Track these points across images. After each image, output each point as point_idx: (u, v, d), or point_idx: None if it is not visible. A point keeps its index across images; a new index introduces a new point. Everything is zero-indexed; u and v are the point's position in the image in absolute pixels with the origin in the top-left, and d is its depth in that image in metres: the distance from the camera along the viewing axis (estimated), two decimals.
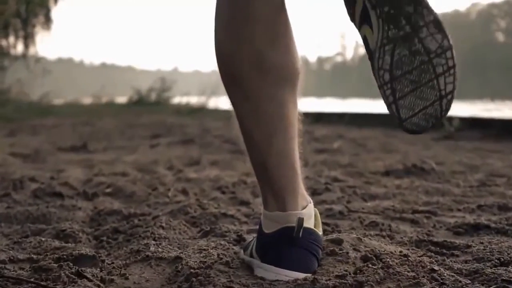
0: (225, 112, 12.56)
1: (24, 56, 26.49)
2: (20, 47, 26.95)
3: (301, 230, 1.69)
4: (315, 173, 3.87)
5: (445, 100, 1.62)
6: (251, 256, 1.81)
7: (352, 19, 1.70)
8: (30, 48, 27.09)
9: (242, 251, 1.92)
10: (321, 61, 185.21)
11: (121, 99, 21.59)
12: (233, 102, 1.79)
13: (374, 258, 1.77)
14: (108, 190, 3.15)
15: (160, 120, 12.10)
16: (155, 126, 10.10)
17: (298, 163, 1.83)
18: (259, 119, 1.74)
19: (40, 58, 27.03)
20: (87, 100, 21.85)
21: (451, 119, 8.60)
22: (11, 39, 27.01)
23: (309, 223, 1.73)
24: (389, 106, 1.64)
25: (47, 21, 27.71)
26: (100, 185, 3.31)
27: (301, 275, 1.65)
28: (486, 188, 3.30)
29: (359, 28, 1.69)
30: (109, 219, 2.49)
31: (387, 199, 2.92)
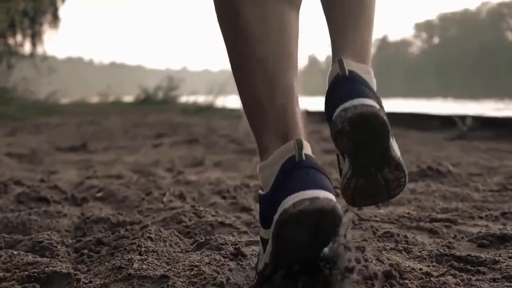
0: (233, 111, 12.34)
1: (31, 55, 26.39)
2: (27, 46, 26.90)
3: (303, 154, 1.50)
4: None
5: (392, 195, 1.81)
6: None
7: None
8: (38, 47, 27.03)
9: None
10: (330, 60, 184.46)
11: (129, 98, 21.47)
12: (240, 37, 1.59)
13: (397, 275, 1.53)
14: (99, 194, 2.91)
15: (166, 119, 11.88)
16: (161, 125, 9.88)
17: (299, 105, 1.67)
18: (269, 52, 1.58)
19: (47, 57, 26.93)
20: (94, 99, 21.71)
21: (464, 118, 8.36)
22: (19, 37, 26.95)
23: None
24: (345, 198, 1.79)
25: (55, 19, 27.59)
26: (91, 188, 3.07)
27: (326, 193, 1.38)
28: (508, 192, 3.04)
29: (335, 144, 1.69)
30: (95, 228, 2.24)
31: (402, 205, 2.67)
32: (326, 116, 1.74)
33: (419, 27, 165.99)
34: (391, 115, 6.80)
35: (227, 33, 1.62)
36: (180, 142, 6.75)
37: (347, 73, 1.68)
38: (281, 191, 1.41)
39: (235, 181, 3.33)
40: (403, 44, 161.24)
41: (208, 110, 15.25)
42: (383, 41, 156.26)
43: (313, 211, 1.33)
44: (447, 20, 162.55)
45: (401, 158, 1.76)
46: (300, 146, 1.50)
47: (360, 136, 1.63)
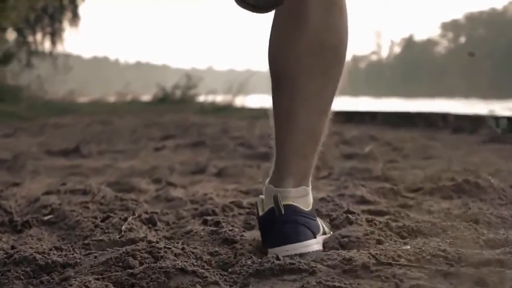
0: (252, 110, 11.75)
1: (50, 53, 26.03)
2: (47, 44, 26.54)
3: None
4: (337, 189, 2.99)
5: None
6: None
7: None
8: (57, 45, 26.65)
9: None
10: (355, 59, 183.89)
11: (147, 97, 21.02)
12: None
13: None
14: (48, 217, 2.29)
15: (181, 119, 11.31)
16: (172, 126, 9.30)
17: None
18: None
19: (67, 55, 26.59)
20: (111, 98, 21.28)
21: (497, 118, 7.71)
22: (39, 35, 26.60)
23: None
24: None
25: (75, 17, 27.23)
26: (43, 208, 2.44)
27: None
28: None
29: None
30: (11, 273, 1.62)
31: (435, 236, 2.01)
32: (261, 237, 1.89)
33: (446, 26, 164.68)
34: (417, 116, 6.10)
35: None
36: (186, 145, 6.16)
37: (282, 211, 1.80)
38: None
39: (227, 198, 2.70)
40: (429, 43, 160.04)
41: (226, 109, 14.67)
42: (409, 41, 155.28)
43: None
44: (473, 19, 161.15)
45: None
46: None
47: None
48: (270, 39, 1.89)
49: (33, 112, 12.97)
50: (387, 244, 1.87)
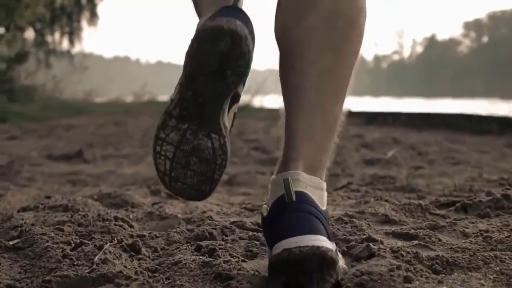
0: (271, 111, 11.42)
1: (68, 52, 25.87)
2: (65, 44, 26.40)
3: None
4: (356, 204, 2.62)
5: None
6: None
7: None
8: (75, 45, 26.49)
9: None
10: (377, 59, 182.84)
11: (165, 97, 20.74)
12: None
13: None
14: (14, 242, 1.93)
15: None
16: None
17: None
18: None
19: (86, 55, 26.48)
20: (129, 99, 21.04)
21: None
22: (57, 35, 26.46)
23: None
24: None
25: (93, 16, 27.08)
26: (13, 229, 2.08)
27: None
28: None
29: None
30: None
31: (475, 271, 1.64)
32: (267, 243, 1.61)
33: (468, 26, 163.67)
34: (441, 116, 5.73)
35: None
36: None
37: (293, 197, 1.56)
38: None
39: (229, 216, 2.33)
40: (452, 43, 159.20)
41: (244, 110, 14.29)
42: (431, 40, 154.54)
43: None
44: (496, 19, 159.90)
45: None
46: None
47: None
48: (277, 11, 1.72)
49: (46, 113, 12.67)
50: (417, 282, 1.50)
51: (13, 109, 12.21)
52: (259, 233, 2.03)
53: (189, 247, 1.87)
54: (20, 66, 15.62)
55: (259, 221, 1.77)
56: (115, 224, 2.04)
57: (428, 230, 2.05)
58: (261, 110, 14.16)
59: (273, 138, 6.77)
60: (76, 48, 26.84)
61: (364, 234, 1.95)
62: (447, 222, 2.18)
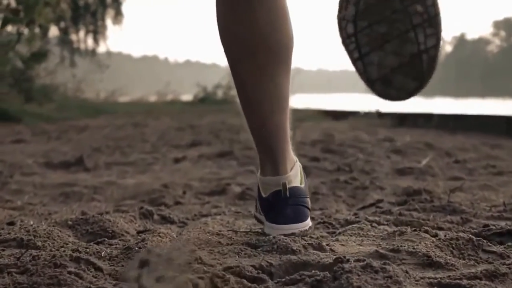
0: (295, 111, 10.91)
1: (93, 51, 25.57)
2: (90, 42, 26.11)
3: (288, 191, 2.00)
4: (389, 236, 2.08)
5: (426, 56, 1.44)
6: (259, 213, 2.17)
7: None
8: (100, 43, 26.20)
9: (254, 210, 2.28)
10: None
11: (188, 97, 20.38)
12: (239, 79, 1.98)
13: None
14: None
15: (219, 120, 10.52)
16: (206, 130, 8.49)
17: (287, 131, 2.03)
18: (261, 95, 1.94)
19: (113, 53, 26.21)
20: (152, 98, 20.70)
21: None
22: (81, 33, 26.18)
23: (296, 181, 2.05)
24: (354, 64, 1.53)
25: (118, 15, 26.78)
26: None
27: (298, 225, 2.02)
28: None
29: None
30: None
31: None
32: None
33: (498, 25, 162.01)
34: (476, 118, 5.13)
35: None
36: (211, 155, 5.31)
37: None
38: (269, 215, 2.05)
39: (224, 257, 1.80)
40: (481, 42, 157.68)
41: None
42: (461, 39, 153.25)
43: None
44: None
45: None
46: (285, 187, 2.00)
47: None
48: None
49: (63, 113, 12.26)
50: None
51: (29, 110, 11.81)
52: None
53: None
54: (39, 65, 15.22)
55: (262, 263, 1.70)
56: (69, 273, 1.53)
57: (486, 281, 1.54)
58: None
59: (296, 142, 6.26)
60: (101, 47, 26.58)
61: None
62: (509, 267, 1.66)
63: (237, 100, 2.06)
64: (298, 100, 15.08)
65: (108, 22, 27.29)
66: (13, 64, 13.91)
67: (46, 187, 3.81)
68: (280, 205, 2.00)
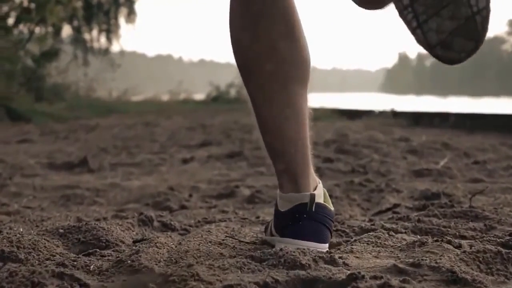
0: (314, 110, 10.77)
1: (106, 50, 25.47)
2: (103, 41, 25.99)
3: (314, 205, 1.84)
4: (408, 247, 1.88)
5: (479, 17, 1.50)
6: (271, 235, 1.97)
7: None
8: (113, 42, 26.07)
9: (264, 233, 2.11)
10: (421, 57, 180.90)
11: (201, 96, 20.24)
12: (249, 93, 1.89)
13: None
14: None
15: (232, 120, 10.34)
16: (217, 129, 8.31)
17: (309, 148, 1.91)
18: (273, 110, 1.85)
19: (128, 53, 26.10)
20: (165, 97, 20.56)
21: None
22: (94, 32, 26.06)
23: (319, 200, 1.87)
24: (413, 32, 1.53)
25: (131, 14, 26.65)
26: None
27: (318, 245, 1.82)
28: None
29: None
30: None
31: None
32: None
33: None
34: (493, 117, 4.90)
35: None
36: (220, 156, 5.13)
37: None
38: (285, 231, 1.87)
39: (224, 272, 1.61)
40: (496, 41, 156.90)
41: None
42: None
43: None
44: None
45: None
46: (313, 199, 1.85)
47: None
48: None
49: (74, 112, 12.11)
50: None
51: (40, 109, 11.68)
52: None
53: None
54: (50, 64, 15.10)
55: (267, 279, 1.50)
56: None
57: None
58: None
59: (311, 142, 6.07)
60: (115, 46, 26.47)
61: None
62: None
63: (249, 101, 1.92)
64: (312, 99, 14.89)
65: (121, 21, 27.18)
66: (24, 63, 13.80)
67: (47, 189, 3.65)
68: (302, 219, 1.85)
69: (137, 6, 26.28)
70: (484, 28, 1.51)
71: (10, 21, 14.57)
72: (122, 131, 8.33)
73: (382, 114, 10.87)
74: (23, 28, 15.11)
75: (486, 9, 1.50)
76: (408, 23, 1.54)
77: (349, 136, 6.96)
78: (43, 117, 10.70)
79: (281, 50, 1.81)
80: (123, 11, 26.30)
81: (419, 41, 1.52)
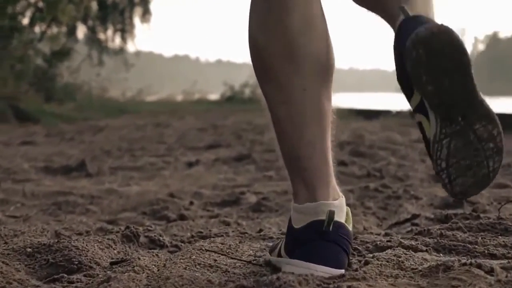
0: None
1: (121, 50, 25.30)
2: (118, 41, 25.83)
3: (332, 224, 1.65)
4: (431, 272, 1.55)
5: (492, 174, 1.65)
6: (279, 256, 1.78)
7: (407, 100, 1.68)
8: (128, 42, 25.90)
9: (268, 253, 1.88)
10: None
11: (216, 96, 20.06)
12: (266, 94, 1.76)
13: None
14: None
15: (245, 120, 10.11)
16: (229, 130, 8.05)
17: (330, 154, 1.77)
18: (291, 110, 1.72)
19: (145, 53, 25.96)
20: (179, 97, 20.40)
21: None
22: (109, 32, 25.90)
23: (339, 217, 1.69)
24: (444, 186, 1.64)
25: (146, 13, 26.48)
26: None
27: (333, 271, 1.61)
28: None
29: (414, 113, 1.67)
30: None
31: None
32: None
33: None
34: (505, 117, 4.46)
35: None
36: (227, 159, 4.87)
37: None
38: (306, 252, 1.65)
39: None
40: None
41: None
42: (493, 38, 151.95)
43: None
44: None
45: (491, 109, 1.62)
46: (331, 216, 1.64)
47: (436, 61, 1.54)
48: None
49: (85, 113, 11.87)
50: None
51: (49, 109, 11.46)
52: None
53: None
54: (62, 64, 14.90)
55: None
56: None
57: None
58: None
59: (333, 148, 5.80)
60: (130, 46, 26.33)
61: None
62: None
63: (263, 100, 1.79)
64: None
65: (136, 20, 27.01)
66: (35, 63, 13.60)
67: (38, 196, 3.42)
68: (318, 239, 1.65)
69: (153, 6, 26.20)
70: (493, 178, 1.67)
71: (25, 21, 14.41)
72: (130, 132, 8.09)
73: (399, 114, 10.61)
74: (36, 27, 14.95)
75: (499, 167, 1.67)
76: (442, 180, 1.64)
77: (365, 137, 6.69)
78: (52, 117, 10.49)
79: (300, 47, 1.71)
80: (138, 10, 26.14)
81: (445, 188, 1.65)
